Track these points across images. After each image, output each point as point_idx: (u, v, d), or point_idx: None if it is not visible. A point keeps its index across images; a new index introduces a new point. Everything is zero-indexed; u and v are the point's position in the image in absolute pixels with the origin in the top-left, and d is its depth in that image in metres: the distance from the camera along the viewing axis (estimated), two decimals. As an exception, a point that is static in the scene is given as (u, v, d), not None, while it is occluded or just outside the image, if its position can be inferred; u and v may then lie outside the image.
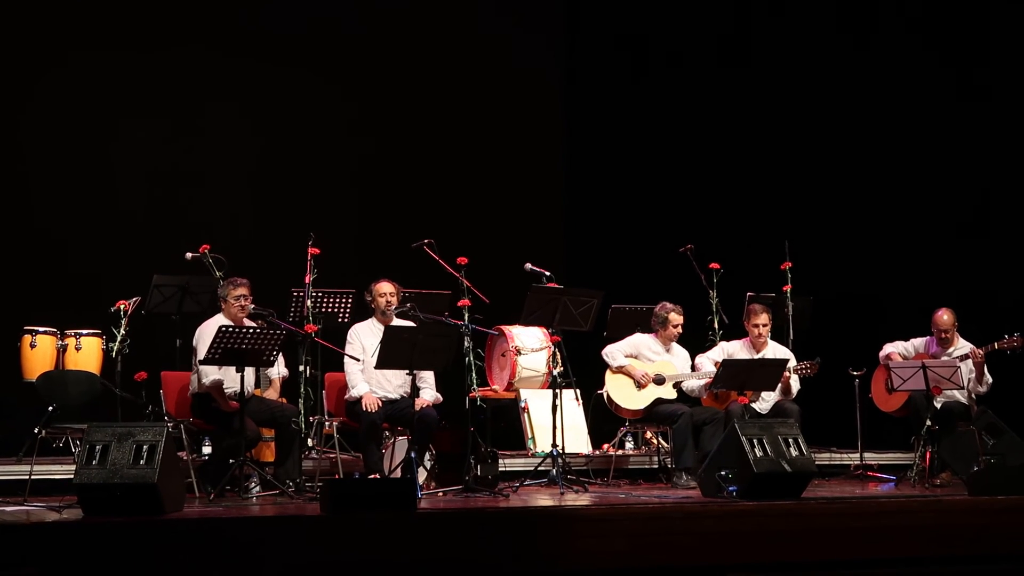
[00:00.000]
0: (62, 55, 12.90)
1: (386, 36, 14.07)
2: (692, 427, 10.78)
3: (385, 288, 10.51)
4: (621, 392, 11.09)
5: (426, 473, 10.22)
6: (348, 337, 10.54)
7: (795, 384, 11.06)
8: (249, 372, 9.57)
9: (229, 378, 9.77)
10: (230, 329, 9.45)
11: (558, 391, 10.47)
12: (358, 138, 13.97)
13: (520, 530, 8.04)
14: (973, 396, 11.14)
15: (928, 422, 10.67)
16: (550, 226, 14.69)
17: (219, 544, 7.54)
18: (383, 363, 9.86)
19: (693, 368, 11.16)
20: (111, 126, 13.05)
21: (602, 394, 11.22)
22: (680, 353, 11.30)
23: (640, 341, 11.26)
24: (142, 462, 7.97)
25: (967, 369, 11.00)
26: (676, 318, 11.18)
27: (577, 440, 11.62)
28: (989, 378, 11.13)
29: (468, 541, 7.91)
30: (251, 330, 9.51)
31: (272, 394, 10.19)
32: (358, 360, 10.32)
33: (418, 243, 11.55)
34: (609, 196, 14.62)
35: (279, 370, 10.22)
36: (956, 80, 13.43)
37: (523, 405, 11.86)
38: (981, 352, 10.99)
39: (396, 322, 10.34)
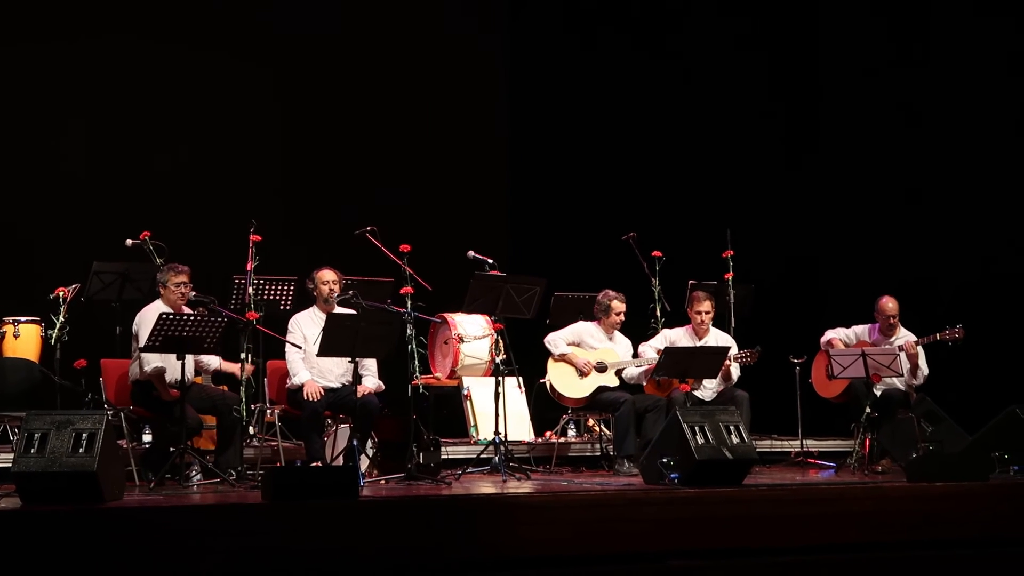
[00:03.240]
0: (6, 42, 12.78)
1: (326, 23, 14.01)
2: (634, 414, 10.82)
3: (327, 276, 10.47)
4: (563, 380, 11.11)
5: (368, 461, 10.20)
6: (289, 326, 10.50)
7: (735, 371, 11.12)
8: (189, 359, 9.52)
9: (171, 366, 9.70)
10: (171, 317, 9.39)
11: (501, 379, 10.48)
12: (299, 124, 13.92)
13: (462, 517, 8.02)
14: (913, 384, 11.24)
15: (868, 409, 10.76)
16: (493, 214, 14.69)
17: (159, 533, 7.48)
18: (325, 351, 9.82)
19: (636, 356, 11.20)
20: (51, 113, 12.94)
21: (545, 383, 11.24)
22: (622, 341, 11.33)
23: (583, 329, 11.28)
24: (81, 450, 7.88)
25: (904, 359, 11.09)
26: (619, 306, 11.21)
27: (519, 428, 11.65)
28: (925, 370, 11.20)
29: (411, 529, 7.88)
30: (192, 317, 9.46)
31: (231, 367, 10.21)
32: (299, 348, 10.28)
33: (360, 230, 11.50)
34: (552, 184, 14.64)
35: (216, 359, 10.19)
36: (899, 73, 13.54)
37: (466, 393, 11.87)
38: (914, 345, 11.08)
39: (338, 310, 10.30)
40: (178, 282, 9.95)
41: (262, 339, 11.08)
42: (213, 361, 10.18)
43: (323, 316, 10.16)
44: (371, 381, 10.36)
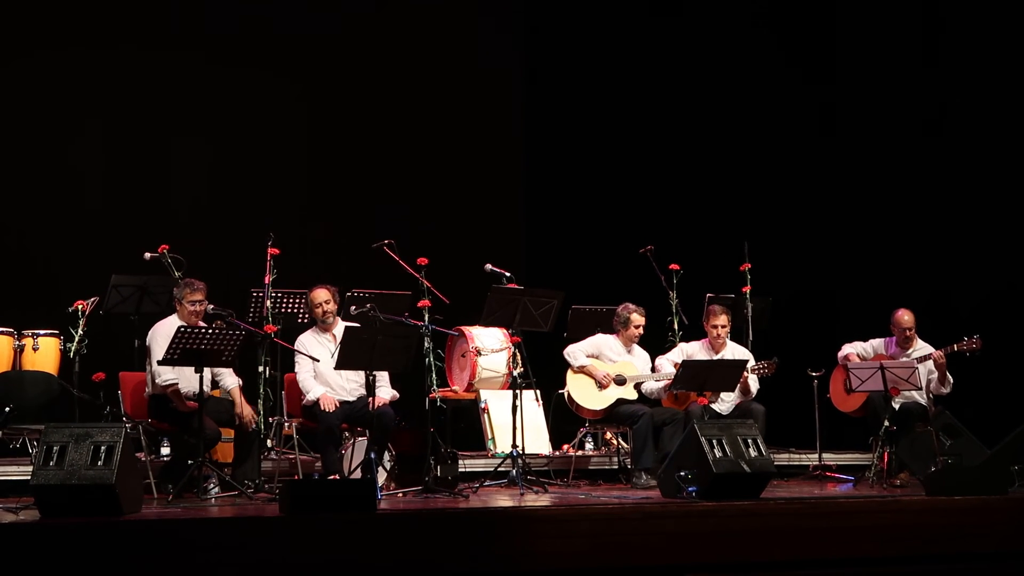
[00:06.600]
0: (24, 53, 12.84)
1: (348, 37, 14.06)
2: (652, 428, 10.80)
3: (319, 296, 10.39)
4: (582, 392, 11.10)
5: (386, 474, 10.20)
6: (296, 347, 10.43)
7: (754, 384, 11.10)
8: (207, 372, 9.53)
9: (186, 379, 9.71)
10: (189, 329, 9.40)
11: (518, 392, 10.47)
12: (318, 138, 13.96)
13: (480, 531, 8.03)
14: (932, 397, 11.20)
15: (886, 423, 10.73)
16: (510, 227, 14.70)
17: (177, 545, 7.50)
18: (343, 363, 9.82)
19: (653, 369, 11.19)
20: (71, 124, 13.00)
21: (563, 394, 11.23)
22: (640, 355, 11.31)
23: (602, 341, 11.27)
24: (100, 463, 7.91)
25: (927, 371, 11.06)
26: (638, 319, 11.20)
27: (537, 441, 11.64)
28: (951, 379, 11.19)
29: (428, 542, 7.90)
30: (210, 330, 9.46)
31: (246, 410, 10.00)
32: (317, 360, 10.26)
33: (378, 243, 11.52)
34: (569, 197, 14.64)
35: (235, 380, 10.17)
36: (915, 84, 13.52)
37: (483, 406, 11.86)
38: (943, 355, 11.04)
39: (342, 325, 10.21)
40: (194, 299, 9.94)
41: (280, 352, 11.10)
42: (230, 381, 10.14)
43: (326, 337, 10.19)
44: (385, 391, 10.34)
